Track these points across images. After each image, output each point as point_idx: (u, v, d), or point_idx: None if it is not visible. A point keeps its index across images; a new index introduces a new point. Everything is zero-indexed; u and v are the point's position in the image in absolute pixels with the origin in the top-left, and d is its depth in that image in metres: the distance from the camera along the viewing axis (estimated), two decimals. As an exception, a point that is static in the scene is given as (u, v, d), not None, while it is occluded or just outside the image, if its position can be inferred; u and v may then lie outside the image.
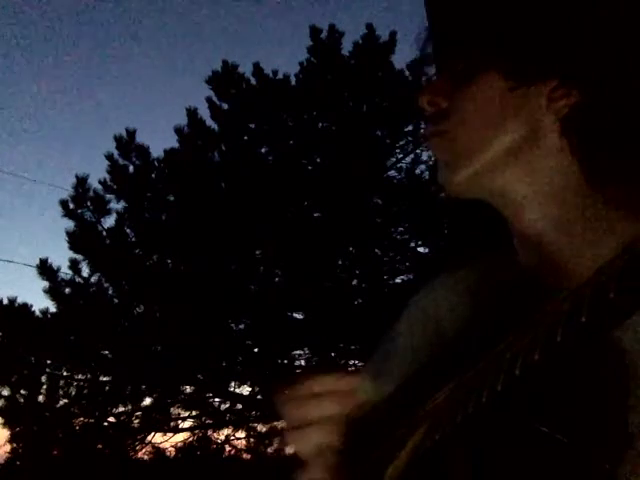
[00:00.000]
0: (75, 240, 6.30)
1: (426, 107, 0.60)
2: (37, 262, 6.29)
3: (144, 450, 6.99)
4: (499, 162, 0.55)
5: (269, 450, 7.03)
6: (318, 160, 6.61)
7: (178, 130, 6.55)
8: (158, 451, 6.98)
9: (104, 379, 6.63)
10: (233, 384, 6.83)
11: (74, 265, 6.33)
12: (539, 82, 0.52)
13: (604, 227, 0.51)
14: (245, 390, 6.85)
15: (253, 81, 6.62)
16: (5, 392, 6.20)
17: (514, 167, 0.54)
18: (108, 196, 6.45)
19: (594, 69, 0.50)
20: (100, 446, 6.72)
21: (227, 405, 6.99)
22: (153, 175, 6.59)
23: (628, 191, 0.51)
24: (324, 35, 6.52)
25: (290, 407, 0.60)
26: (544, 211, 0.54)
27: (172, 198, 6.53)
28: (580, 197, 0.53)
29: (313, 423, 0.59)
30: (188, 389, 6.72)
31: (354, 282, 6.76)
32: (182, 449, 6.96)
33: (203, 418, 7.02)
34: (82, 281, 6.35)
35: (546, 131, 0.53)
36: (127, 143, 6.54)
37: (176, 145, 6.59)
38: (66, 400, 6.41)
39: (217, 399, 6.98)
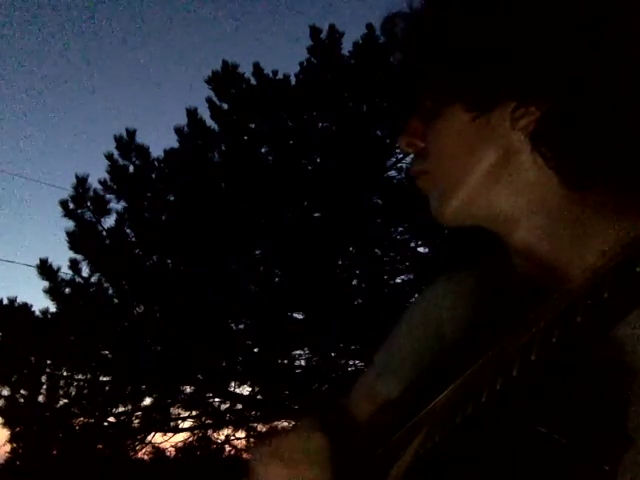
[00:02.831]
0: (75, 240, 6.29)
1: (406, 149, 0.63)
2: (37, 262, 6.29)
3: (144, 450, 6.99)
4: (481, 188, 0.57)
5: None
6: (318, 160, 6.61)
7: (178, 130, 6.54)
8: (158, 451, 6.98)
9: (104, 379, 6.62)
10: (233, 384, 6.82)
11: (74, 265, 6.32)
12: (497, 107, 0.54)
13: (590, 231, 0.52)
14: (245, 390, 6.85)
15: (253, 81, 6.61)
16: (5, 392, 6.20)
17: (496, 189, 0.56)
18: (108, 196, 6.44)
19: (545, 83, 0.51)
20: (100, 446, 6.71)
21: (227, 405, 6.99)
22: (153, 175, 6.58)
23: (608, 193, 0.52)
24: (324, 35, 6.50)
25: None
26: (531, 224, 0.56)
27: (172, 198, 6.52)
28: (563, 205, 0.54)
29: None
30: (188, 389, 6.71)
31: (354, 282, 6.75)
32: (182, 449, 6.96)
33: (203, 418, 7.01)
34: (82, 281, 6.33)
35: (518, 150, 0.55)
36: (127, 143, 6.53)
37: (176, 145, 6.59)
38: (66, 400, 6.39)
39: (217, 399, 6.97)
